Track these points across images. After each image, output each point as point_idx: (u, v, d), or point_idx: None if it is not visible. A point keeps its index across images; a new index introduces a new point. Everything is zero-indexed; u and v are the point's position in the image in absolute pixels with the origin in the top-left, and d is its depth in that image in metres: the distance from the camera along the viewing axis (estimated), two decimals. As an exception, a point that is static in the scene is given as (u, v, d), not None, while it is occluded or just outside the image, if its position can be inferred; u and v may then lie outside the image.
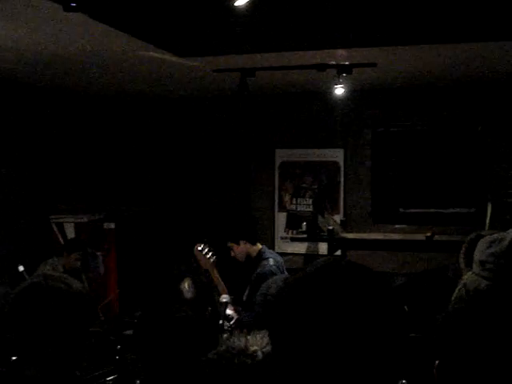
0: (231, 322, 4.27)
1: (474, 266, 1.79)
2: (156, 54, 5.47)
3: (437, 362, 1.68)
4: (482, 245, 1.79)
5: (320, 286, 1.17)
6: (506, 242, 1.74)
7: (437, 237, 6.80)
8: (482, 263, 1.74)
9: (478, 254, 1.78)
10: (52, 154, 7.60)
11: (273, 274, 5.03)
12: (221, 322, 3.80)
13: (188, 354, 1.82)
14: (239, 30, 5.02)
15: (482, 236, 1.86)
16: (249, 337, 1.23)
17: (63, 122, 7.75)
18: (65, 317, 1.97)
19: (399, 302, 1.25)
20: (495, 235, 1.80)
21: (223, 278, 5.40)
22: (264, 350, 1.18)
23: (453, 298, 1.84)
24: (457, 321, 1.64)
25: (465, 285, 1.78)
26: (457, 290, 1.84)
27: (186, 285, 4.15)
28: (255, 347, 1.18)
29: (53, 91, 7.39)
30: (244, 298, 5.15)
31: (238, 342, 1.21)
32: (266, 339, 1.20)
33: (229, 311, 4.24)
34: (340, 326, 1.13)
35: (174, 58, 5.62)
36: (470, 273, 1.80)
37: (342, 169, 7.89)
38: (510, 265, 1.71)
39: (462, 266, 1.93)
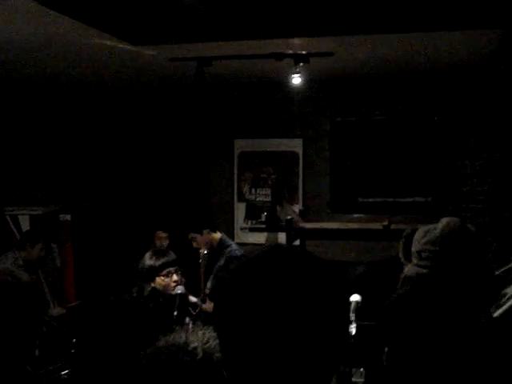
0: (197, 310, 4.25)
1: (413, 257, 1.82)
2: (110, 42, 5.37)
3: (386, 349, 1.68)
4: (417, 236, 1.82)
5: (261, 271, 1.16)
6: (438, 230, 1.77)
7: (394, 226, 6.86)
8: (418, 253, 1.77)
9: (415, 246, 1.81)
10: (5, 145, 7.44)
11: (240, 256, 5.07)
12: (175, 313, 3.77)
13: (126, 341, 1.80)
14: (195, 18, 4.96)
15: (417, 230, 1.88)
16: (189, 332, 1.20)
17: (17, 111, 7.60)
18: (13, 309, 1.94)
19: (342, 289, 1.24)
20: (429, 226, 1.82)
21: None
22: (205, 346, 1.15)
23: (397, 292, 1.86)
24: (400, 308, 1.66)
25: (405, 277, 1.80)
26: (399, 284, 1.86)
27: (149, 256, 4.12)
28: (195, 344, 1.15)
29: (5, 80, 7.22)
30: (207, 291, 5.12)
31: (178, 337, 1.18)
32: (208, 335, 1.17)
33: (193, 299, 4.22)
34: (279, 310, 1.12)
35: (129, 47, 5.53)
36: (410, 265, 1.82)
37: (301, 159, 7.90)
38: (444, 250, 1.74)
39: (402, 260, 1.95)
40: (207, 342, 1.16)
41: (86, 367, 2.06)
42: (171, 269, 4.15)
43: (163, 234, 7.02)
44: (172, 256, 4.27)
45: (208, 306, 4.74)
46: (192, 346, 1.16)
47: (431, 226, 1.82)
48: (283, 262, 1.18)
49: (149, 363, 1.16)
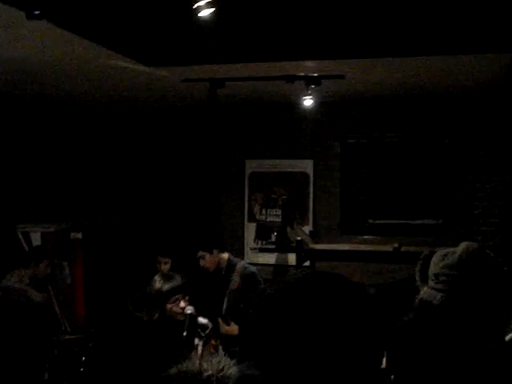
0: (206, 331, 4.22)
1: (429, 280, 1.82)
2: (123, 63, 5.43)
3: (392, 376, 1.68)
4: (435, 259, 1.82)
5: (302, 297, 1.16)
6: (457, 255, 1.77)
7: (404, 248, 6.83)
8: (436, 276, 1.77)
9: (433, 268, 1.81)
10: (18, 163, 7.50)
11: (256, 272, 5.07)
12: (184, 333, 3.77)
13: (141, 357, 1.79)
14: (208, 41, 5.01)
15: (435, 252, 1.88)
16: (204, 360, 1.19)
17: (29, 130, 7.66)
18: (24, 330, 1.93)
19: (380, 311, 1.24)
20: (448, 249, 1.82)
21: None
22: (219, 375, 1.13)
23: (408, 315, 1.85)
24: (410, 333, 1.66)
25: (421, 300, 1.80)
26: (414, 306, 1.86)
27: (158, 279, 4.12)
28: (210, 372, 1.13)
29: (17, 99, 7.29)
30: (223, 312, 5.10)
31: (191, 365, 1.15)
32: (223, 363, 1.15)
33: (203, 320, 4.20)
34: (324, 337, 1.12)
35: (142, 68, 5.59)
36: (426, 287, 1.82)
37: (312, 180, 7.91)
38: (462, 275, 1.74)
39: (418, 283, 1.95)
40: (222, 369, 1.14)
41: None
42: (179, 296, 4.14)
43: (163, 259, 6.99)
44: (179, 281, 4.24)
45: (229, 327, 4.73)
46: (206, 374, 1.13)
47: (450, 250, 1.82)
48: (325, 287, 1.18)
49: None
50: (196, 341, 4.01)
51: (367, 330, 1.16)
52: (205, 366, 1.12)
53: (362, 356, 1.14)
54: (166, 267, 6.96)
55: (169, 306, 4.04)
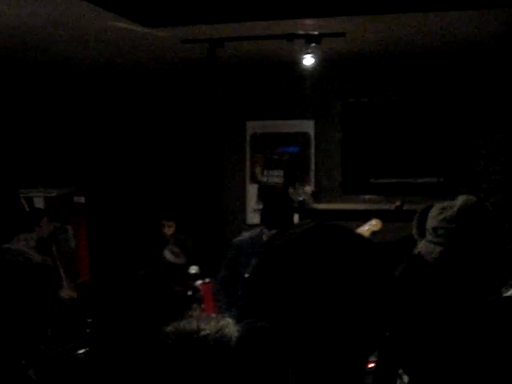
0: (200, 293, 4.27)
1: (427, 234, 1.83)
2: (122, 25, 5.38)
3: (387, 333, 1.70)
4: (433, 213, 1.83)
5: (309, 249, 1.15)
6: (455, 208, 1.78)
7: (406, 206, 6.84)
8: (434, 230, 1.78)
9: (430, 222, 1.81)
10: (21, 127, 7.48)
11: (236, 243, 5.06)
12: (190, 292, 3.82)
13: (144, 318, 1.81)
14: (207, 0, 4.95)
15: (432, 206, 1.88)
16: (202, 320, 1.16)
17: (31, 94, 7.63)
18: (24, 289, 1.95)
19: (386, 263, 1.23)
20: (445, 203, 1.83)
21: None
22: (217, 335, 1.11)
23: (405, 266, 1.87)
24: (407, 287, 1.67)
25: (419, 253, 1.82)
26: (411, 259, 1.87)
27: (169, 250, 4.17)
28: (208, 331, 1.11)
29: (19, 63, 7.25)
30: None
31: (189, 324, 1.13)
32: (221, 324, 1.14)
33: (197, 282, 4.24)
34: (332, 289, 1.12)
35: (141, 29, 5.54)
36: (424, 241, 1.83)
37: (313, 140, 7.89)
38: (461, 228, 1.75)
39: (416, 236, 1.96)
40: (220, 329, 1.12)
41: (102, 345, 2.08)
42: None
43: (167, 223, 7.05)
44: (183, 260, 4.25)
45: None
46: (203, 333, 1.11)
47: (448, 204, 1.83)
48: (333, 238, 1.18)
49: (156, 349, 1.14)
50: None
51: (375, 282, 1.15)
52: (202, 325, 1.10)
53: (369, 309, 1.14)
54: (170, 230, 7.00)
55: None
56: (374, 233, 5.21)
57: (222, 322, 1.11)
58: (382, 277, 1.17)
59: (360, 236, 1.21)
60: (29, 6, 4.72)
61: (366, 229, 5.22)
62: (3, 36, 5.79)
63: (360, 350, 1.15)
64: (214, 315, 1.16)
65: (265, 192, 7.96)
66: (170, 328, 1.10)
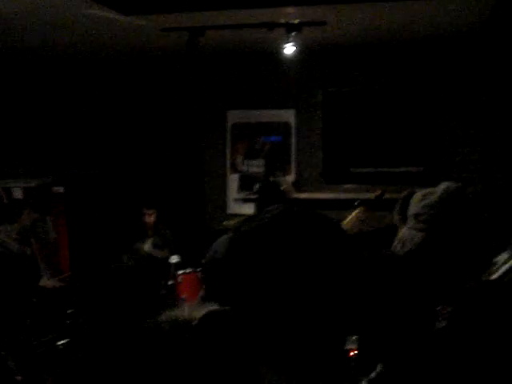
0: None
1: (409, 220, 1.83)
2: (101, 12, 5.32)
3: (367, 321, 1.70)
4: (415, 199, 1.84)
5: (277, 234, 1.14)
6: (437, 194, 1.78)
7: (387, 195, 6.87)
8: (415, 216, 1.79)
9: (412, 208, 1.82)
10: (-3, 117, 7.40)
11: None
12: (170, 282, 3.80)
13: (128, 306, 1.80)
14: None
15: (414, 193, 1.89)
16: (194, 308, 1.16)
17: (7, 83, 7.53)
18: (3, 280, 1.93)
19: (356, 247, 1.23)
20: (427, 190, 1.83)
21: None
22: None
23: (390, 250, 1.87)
24: (390, 269, 1.68)
25: (400, 239, 1.82)
26: (393, 246, 1.87)
27: (153, 245, 4.14)
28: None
29: (-4, 51, 7.15)
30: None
31: (181, 313, 1.14)
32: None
33: (178, 272, 4.23)
34: (299, 273, 1.11)
35: (120, 17, 5.48)
36: (405, 228, 1.83)
37: (294, 129, 7.89)
38: (442, 214, 1.76)
39: (398, 223, 1.96)
40: None
41: (84, 336, 2.06)
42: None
43: (148, 211, 7.07)
44: (165, 253, 4.22)
45: None
46: (195, 322, 1.12)
47: (429, 190, 1.83)
48: (301, 223, 1.17)
49: (148, 337, 1.14)
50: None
51: (343, 266, 1.15)
52: (194, 314, 1.10)
53: (338, 293, 1.14)
54: (151, 219, 7.01)
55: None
56: (361, 219, 5.26)
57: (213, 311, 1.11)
58: (350, 261, 1.17)
59: (328, 220, 1.20)
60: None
61: (355, 217, 5.29)
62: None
63: (329, 335, 1.14)
64: (204, 304, 1.16)
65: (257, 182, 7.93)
66: (162, 317, 1.10)
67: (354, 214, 5.29)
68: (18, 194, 7.37)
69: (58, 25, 5.85)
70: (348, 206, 7.36)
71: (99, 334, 1.98)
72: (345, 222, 5.29)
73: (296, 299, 1.11)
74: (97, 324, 1.99)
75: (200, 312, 1.10)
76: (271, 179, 7.55)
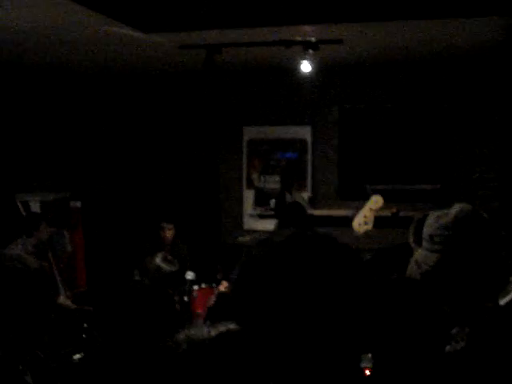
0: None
1: (424, 242, 1.84)
2: (120, 30, 5.38)
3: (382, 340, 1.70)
4: (430, 220, 1.84)
5: (287, 259, 1.14)
6: (452, 215, 1.79)
7: (402, 213, 6.85)
8: (430, 237, 1.79)
9: (427, 230, 1.83)
10: (17, 132, 7.48)
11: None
12: (186, 299, 3.82)
13: (147, 325, 1.81)
14: (205, 6, 4.96)
15: (428, 215, 1.89)
16: (211, 328, 1.17)
17: (28, 98, 7.62)
18: (22, 295, 1.95)
19: (368, 273, 1.23)
20: (441, 211, 1.84)
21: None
22: None
23: (406, 275, 1.88)
24: (403, 293, 1.68)
25: (416, 261, 1.82)
26: (409, 267, 1.88)
27: (162, 259, 4.15)
28: None
29: (16, 68, 7.25)
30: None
31: (199, 331, 1.14)
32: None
33: (193, 288, 4.25)
34: (310, 299, 1.11)
35: (139, 34, 5.54)
36: (421, 249, 1.84)
37: (310, 146, 7.91)
38: (457, 235, 1.76)
39: (413, 245, 1.97)
40: None
41: (101, 352, 2.07)
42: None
43: (167, 226, 7.02)
44: (176, 267, 4.23)
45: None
46: (210, 341, 1.12)
47: (444, 211, 1.84)
48: (312, 248, 1.16)
49: (167, 356, 1.14)
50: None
51: (354, 292, 1.15)
52: (212, 332, 1.10)
53: (349, 316, 1.13)
54: (170, 233, 6.96)
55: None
56: (377, 211, 5.06)
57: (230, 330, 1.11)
58: (361, 284, 1.17)
59: (340, 244, 1.20)
60: (28, 11, 4.72)
61: (368, 209, 5.10)
62: (2, 40, 5.79)
63: (344, 353, 1.14)
64: (222, 322, 1.16)
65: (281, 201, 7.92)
66: (180, 335, 1.10)
67: (366, 206, 5.12)
68: (35, 207, 7.42)
69: (78, 42, 5.93)
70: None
71: (115, 351, 1.99)
72: (355, 220, 5.10)
73: (305, 323, 1.11)
74: (113, 340, 2.00)
75: (217, 331, 1.11)
76: (287, 196, 7.56)
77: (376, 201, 5.36)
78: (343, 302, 1.13)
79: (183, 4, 4.97)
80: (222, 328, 1.12)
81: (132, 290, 2.01)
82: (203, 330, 1.12)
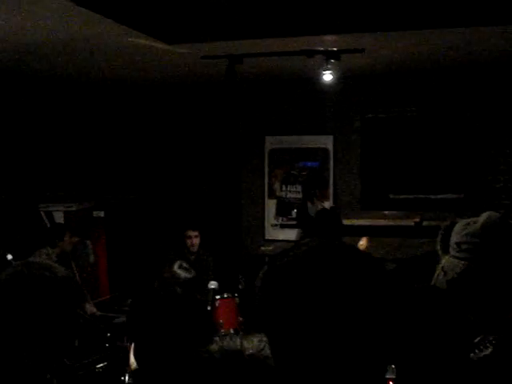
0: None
1: (451, 249, 1.83)
2: (143, 41, 5.43)
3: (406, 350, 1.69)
4: (457, 228, 1.84)
5: (311, 269, 1.13)
6: (479, 223, 1.78)
7: (426, 222, 6.82)
8: (458, 245, 1.79)
9: (454, 237, 1.82)
10: (41, 142, 7.56)
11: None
12: (209, 308, 3.82)
13: (178, 335, 1.81)
14: (227, 17, 4.99)
15: (457, 222, 1.89)
16: (244, 339, 1.17)
17: (52, 109, 7.71)
18: (51, 303, 1.96)
19: (393, 284, 1.22)
20: (470, 219, 1.83)
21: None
22: (260, 354, 1.12)
23: (433, 283, 1.87)
24: (429, 301, 1.67)
25: (442, 268, 1.82)
26: (435, 275, 1.87)
27: (178, 266, 4.17)
28: (251, 350, 1.12)
29: (40, 78, 7.34)
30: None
31: (232, 343, 1.15)
32: (264, 342, 1.15)
33: (216, 297, 4.25)
34: (334, 311, 1.10)
35: (162, 45, 5.60)
36: (448, 257, 1.83)
37: (332, 155, 7.90)
38: (484, 243, 1.75)
39: (440, 252, 1.96)
40: (263, 348, 1.14)
41: (123, 360, 2.08)
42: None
43: (193, 233, 6.97)
44: (192, 274, 4.22)
45: None
46: (247, 353, 1.13)
47: (472, 219, 1.84)
48: (335, 258, 1.15)
49: (202, 365, 1.14)
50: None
51: (378, 300, 1.14)
52: (245, 344, 1.11)
53: (372, 328, 1.12)
54: (196, 241, 6.87)
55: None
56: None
57: (263, 342, 1.12)
58: (384, 295, 1.16)
59: (364, 254, 1.19)
60: (52, 23, 4.79)
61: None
62: (25, 52, 5.88)
63: (367, 367, 1.13)
64: (256, 335, 1.16)
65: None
66: (213, 346, 1.11)
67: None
68: (59, 218, 7.49)
69: (103, 53, 6.00)
70: (386, 232, 7.33)
71: (148, 360, 2.00)
72: None
73: (330, 333, 1.10)
74: (145, 350, 2.01)
75: (250, 342, 1.11)
76: (309, 205, 7.55)
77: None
78: (367, 312, 1.12)
79: (205, 15, 5.01)
80: (254, 339, 1.13)
81: (163, 298, 2.02)
82: (236, 341, 1.13)
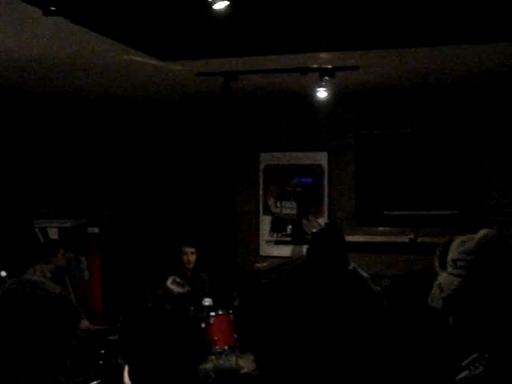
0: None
1: (448, 266, 1.84)
2: (138, 58, 5.46)
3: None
4: (454, 245, 1.85)
5: (297, 287, 1.14)
6: (475, 240, 1.79)
7: (420, 239, 6.83)
8: (454, 262, 1.80)
9: (451, 254, 1.83)
10: (35, 159, 7.56)
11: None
12: (203, 325, 3.81)
13: (172, 352, 1.81)
14: (221, 34, 5.02)
15: (454, 240, 1.90)
16: (239, 358, 1.16)
17: (46, 126, 7.71)
18: (44, 322, 1.96)
19: (382, 301, 1.22)
20: (467, 236, 1.85)
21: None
22: (255, 373, 1.11)
23: (429, 299, 1.87)
24: (424, 317, 1.68)
25: (439, 285, 1.83)
26: (432, 292, 1.88)
27: (171, 281, 4.16)
28: (246, 369, 1.12)
29: (34, 95, 7.35)
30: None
31: (227, 361, 1.14)
32: None
33: (210, 314, 4.24)
34: (317, 329, 1.10)
35: (157, 62, 5.62)
36: (444, 273, 1.84)
37: (326, 172, 7.91)
38: (480, 260, 1.76)
39: (437, 269, 1.97)
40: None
41: (117, 377, 2.08)
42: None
43: (190, 249, 7.00)
44: (186, 289, 4.24)
45: None
46: (243, 371, 1.12)
47: (469, 236, 1.85)
48: (321, 276, 1.15)
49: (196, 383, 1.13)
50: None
51: (365, 318, 1.14)
52: (241, 362, 1.10)
53: (360, 349, 1.12)
54: (192, 257, 6.91)
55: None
56: None
57: None
58: (372, 313, 1.16)
59: (351, 272, 1.19)
60: (46, 40, 4.80)
61: None
62: (21, 69, 5.89)
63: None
64: (250, 353, 1.16)
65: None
66: (208, 365, 1.10)
67: None
68: (53, 234, 7.47)
69: (96, 70, 6.01)
70: (381, 249, 7.34)
71: (141, 378, 1.99)
72: None
73: (315, 351, 1.09)
74: (138, 368, 1.99)
75: (246, 360, 1.10)
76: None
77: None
78: (354, 330, 1.12)
79: (200, 32, 5.03)
80: (249, 357, 1.12)
81: (155, 317, 2.01)
82: (231, 361, 1.12)
